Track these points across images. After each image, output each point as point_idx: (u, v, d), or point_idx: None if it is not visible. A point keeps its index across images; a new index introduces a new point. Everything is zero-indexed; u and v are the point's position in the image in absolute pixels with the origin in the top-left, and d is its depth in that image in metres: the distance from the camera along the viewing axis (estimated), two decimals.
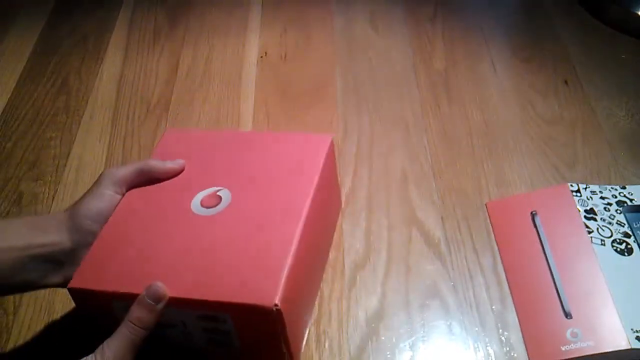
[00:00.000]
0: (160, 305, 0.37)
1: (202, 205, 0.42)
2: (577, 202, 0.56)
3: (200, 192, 0.43)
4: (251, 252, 0.38)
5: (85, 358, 0.35)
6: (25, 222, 0.41)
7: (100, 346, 0.36)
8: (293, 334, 0.38)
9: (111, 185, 0.42)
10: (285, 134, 0.51)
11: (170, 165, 0.45)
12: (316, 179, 0.43)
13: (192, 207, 0.42)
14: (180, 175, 0.45)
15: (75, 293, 0.38)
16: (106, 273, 0.38)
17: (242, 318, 0.37)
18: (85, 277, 0.38)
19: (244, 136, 0.50)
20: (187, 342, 0.40)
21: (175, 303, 0.37)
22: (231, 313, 0.37)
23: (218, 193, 0.43)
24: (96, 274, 0.38)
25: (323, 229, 0.48)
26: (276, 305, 0.35)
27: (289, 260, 0.37)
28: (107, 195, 0.42)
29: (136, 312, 0.36)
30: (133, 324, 0.36)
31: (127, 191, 0.44)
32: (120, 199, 0.43)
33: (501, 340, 0.49)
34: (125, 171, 0.43)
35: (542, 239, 0.54)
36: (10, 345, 0.48)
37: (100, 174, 0.43)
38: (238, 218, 0.41)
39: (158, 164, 0.45)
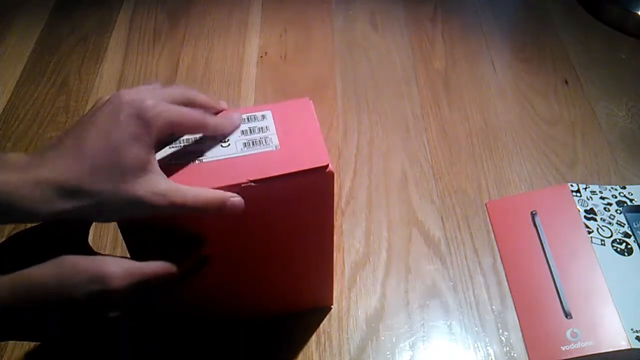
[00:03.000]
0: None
1: None
2: (577, 202, 0.56)
3: None
4: None
5: None
6: None
7: None
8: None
9: None
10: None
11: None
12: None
13: None
14: None
15: None
16: None
17: (283, 112, 0.40)
18: None
19: None
20: (222, 154, 0.38)
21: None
22: (273, 110, 0.40)
23: None
24: None
25: None
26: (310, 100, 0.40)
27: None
28: None
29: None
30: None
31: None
32: None
33: (501, 340, 0.49)
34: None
35: (542, 238, 0.54)
36: None
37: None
38: None
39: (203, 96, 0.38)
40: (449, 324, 0.50)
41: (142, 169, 0.32)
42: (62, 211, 0.31)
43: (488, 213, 0.57)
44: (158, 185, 0.33)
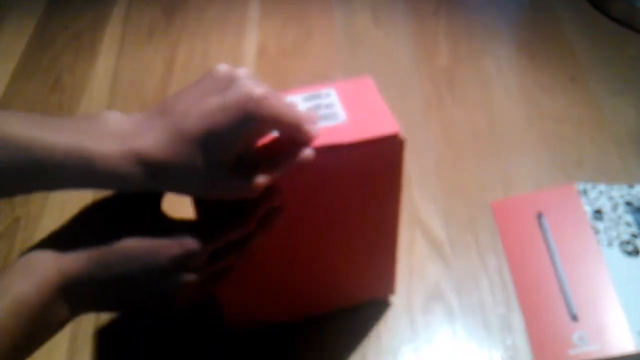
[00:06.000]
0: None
1: None
2: (583, 202, 0.55)
3: None
4: None
5: None
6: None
7: None
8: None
9: None
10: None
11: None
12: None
13: None
14: None
15: None
16: None
17: (346, 89, 0.40)
18: None
19: None
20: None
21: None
22: (336, 88, 0.40)
23: None
24: None
25: None
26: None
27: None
28: None
29: None
30: None
31: None
32: None
33: (506, 344, 0.48)
34: None
35: (548, 239, 0.53)
36: None
37: None
38: None
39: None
40: (452, 327, 0.49)
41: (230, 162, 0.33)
42: (147, 184, 0.33)
43: (493, 213, 0.56)
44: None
